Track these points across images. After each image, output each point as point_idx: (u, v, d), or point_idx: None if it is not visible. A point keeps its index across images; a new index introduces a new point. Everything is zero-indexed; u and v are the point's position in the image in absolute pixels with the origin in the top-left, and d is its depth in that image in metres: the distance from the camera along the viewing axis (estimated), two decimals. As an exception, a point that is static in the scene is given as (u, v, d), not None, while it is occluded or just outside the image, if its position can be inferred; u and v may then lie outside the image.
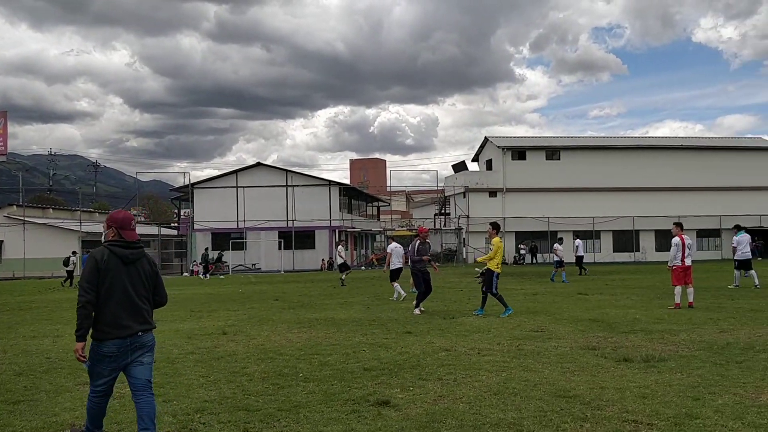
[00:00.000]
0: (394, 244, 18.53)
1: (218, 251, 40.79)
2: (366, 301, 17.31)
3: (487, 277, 13.21)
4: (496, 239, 13.33)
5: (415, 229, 53.84)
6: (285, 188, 47.13)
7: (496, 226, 13.66)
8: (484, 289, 13.45)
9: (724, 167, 49.93)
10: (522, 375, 7.18)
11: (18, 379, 7.53)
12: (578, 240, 29.73)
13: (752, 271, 19.18)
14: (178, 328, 12.16)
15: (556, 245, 25.48)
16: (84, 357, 4.77)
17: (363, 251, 58.10)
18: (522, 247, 47.24)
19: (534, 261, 46.26)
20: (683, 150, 50.65)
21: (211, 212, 46.96)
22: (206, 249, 40.65)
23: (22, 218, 45.85)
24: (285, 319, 13.28)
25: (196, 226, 47.12)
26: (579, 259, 28.80)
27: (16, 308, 18.12)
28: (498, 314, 12.91)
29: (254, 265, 45.84)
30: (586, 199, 48.27)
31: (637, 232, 48.78)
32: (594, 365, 7.67)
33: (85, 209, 65.63)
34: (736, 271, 19.64)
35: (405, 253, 18.14)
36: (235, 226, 46.68)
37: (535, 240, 47.36)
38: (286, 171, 48.84)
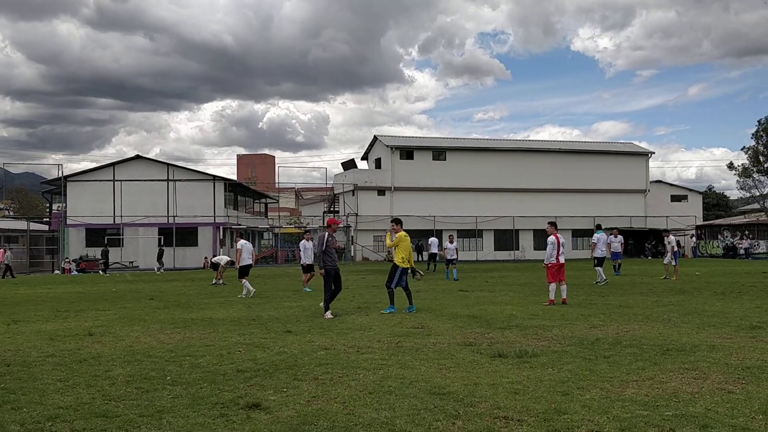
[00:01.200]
0: (243, 241, 19.15)
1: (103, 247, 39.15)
2: (248, 301, 16.86)
3: (391, 270, 13.28)
4: (401, 233, 13.39)
5: (303, 227, 53.52)
6: (166, 183, 45.37)
7: (398, 221, 13.72)
8: (391, 285, 13.30)
9: (599, 170, 52.84)
10: (399, 373, 7.13)
11: None
12: (433, 238, 32.57)
13: (599, 269, 21.01)
14: (40, 329, 11.32)
15: (446, 243, 25.98)
16: None
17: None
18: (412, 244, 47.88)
19: (420, 258, 47.01)
20: (561, 153, 53.14)
21: (85, 207, 44.49)
22: (106, 245, 39.22)
23: None
24: (158, 319, 12.67)
25: (69, 221, 44.49)
26: (432, 256, 31.68)
27: None
28: (402, 309, 12.94)
29: (131, 263, 43.86)
30: (470, 198, 49.67)
31: (517, 231, 50.69)
32: (470, 361, 7.74)
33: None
34: (597, 268, 21.19)
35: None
36: (112, 222, 44.48)
37: (422, 238, 48.17)
38: (168, 165, 46.99)
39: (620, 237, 25.40)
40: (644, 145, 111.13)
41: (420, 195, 48.92)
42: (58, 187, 46.52)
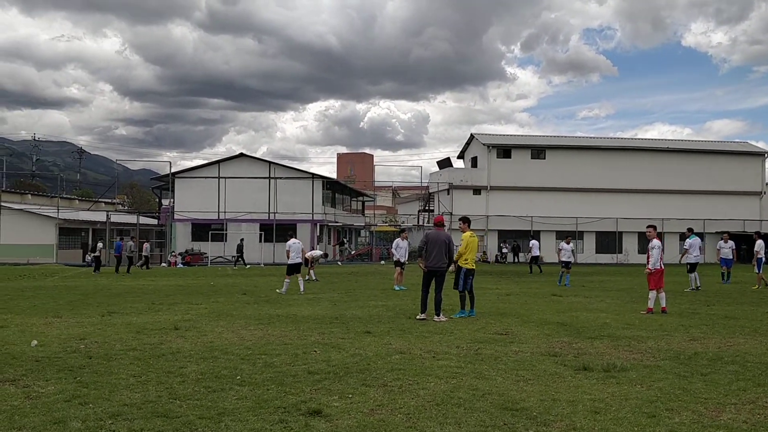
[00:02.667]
0: (292, 240, 19.28)
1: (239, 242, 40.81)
2: (335, 298, 16.86)
3: (456, 273, 12.68)
4: (465, 234, 12.84)
5: (399, 225, 53.55)
6: (267, 180, 46.56)
7: (466, 220, 13.21)
8: (457, 288, 12.76)
9: (710, 171, 49.84)
10: (472, 383, 6.77)
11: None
12: (534, 240, 31.70)
13: (693, 275, 19.96)
14: (130, 322, 11.67)
15: (562, 244, 23.52)
16: None
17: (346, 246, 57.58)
18: (504, 245, 46.96)
19: (516, 260, 45.97)
20: (668, 153, 50.51)
21: (192, 202, 46.30)
22: (241, 240, 41.23)
23: (-1, 203, 45.01)
24: (245, 315, 12.82)
25: (176, 216, 46.45)
26: (534, 259, 30.84)
27: (-27, 296, 17.54)
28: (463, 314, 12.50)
29: (234, 257, 45.22)
30: (570, 199, 48.05)
31: (620, 233, 48.61)
32: (551, 374, 7.27)
33: (65, 196, 64.86)
34: (690, 275, 20.10)
35: (303, 249, 19.78)
36: (216, 218, 46.07)
37: (518, 239, 47.08)
38: (269, 163, 48.24)
39: (731, 242, 23.61)
40: (761, 145, 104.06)
41: (517, 194, 47.79)
42: (167, 183, 48.70)
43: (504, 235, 47.68)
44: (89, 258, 43.57)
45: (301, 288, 18.40)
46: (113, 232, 47.06)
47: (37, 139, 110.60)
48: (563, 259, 22.82)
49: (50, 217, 45.40)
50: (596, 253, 48.45)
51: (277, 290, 18.70)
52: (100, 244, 34.38)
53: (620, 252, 48.69)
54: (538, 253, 30.96)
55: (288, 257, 18.81)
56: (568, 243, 23.54)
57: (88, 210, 56.56)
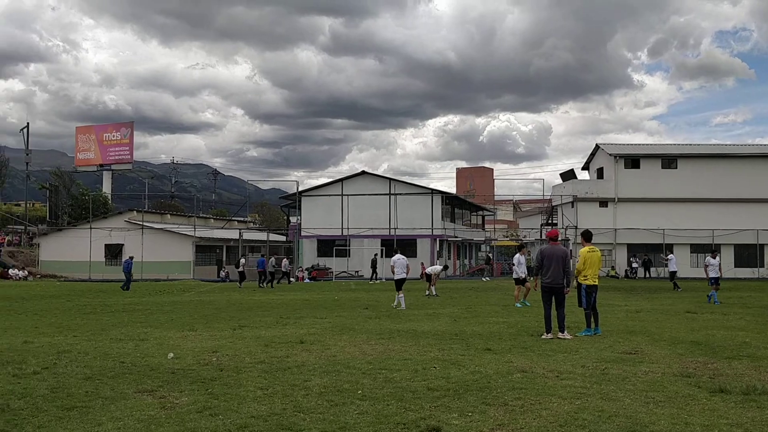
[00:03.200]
0: (397, 256, 19.56)
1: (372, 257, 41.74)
2: (456, 313, 16.79)
3: (578, 290, 12.25)
4: (583, 249, 12.33)
5: (520, 240, 52.62)
6: (388, 196, 47.27)
7: (585, 236, 12.66)
8: (582, 306, 12.32)
9: None
10: (598, 404, 6.51)
11: (84, 383, 7.64)
12: (671, 255, 30.56)
13: None
14: (259, 335, 12.17)
15: (708, 258, 21.84)
16: None
17: (466, 261, 57.28)
18: (634, 260, 44.94)
19: (647, 275, 43.86)
20: (818, 158, 46.54)
21: (317, 219, 47.85)
22: (375, 255, 42.07)
23: (141, 223, 48.41)
24: (367, 329, 13.03)
25: (303, 233, 48.12)
26: (672, 274, 29.22)
27: (119, 310, 18.93)
28: (588, 332, 12.06)
29: (357, 272, 46.17)
30: (705, 210, 45.30)
31: (762, 246, 45.23)
32: (684, 396, 6.87)
33: (201, 215, 68.80)
34: None
35: (409, 265, 19.70)
36: (340, 234, 47.26)
37: (648, 253, 44.91)
38: (390, 179, 49.03)
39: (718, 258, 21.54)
40: None
41: (647, 206, 45.65)
42: (294, 201, 50.63)
43: (633, 249, 45.65)
44: (223, 273, 46.04)
45: (402, 304, 18.38)
46: (245, 249, 49.37)
47: (175, 162, 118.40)
48: (711, 275, 21.14)
49: (188, 235, 48.29)
50: (735, 267, 45.27)
51: (393, 305, 18.86)
52: (243, 260, 36.27)
53: (762, 266, 45.26)
54: (675, 268, 29.29)
55: (393, 273, 19.18)
56: (714, 257, 21.77)
57: (222, 228, 59.70)
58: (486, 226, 67.23)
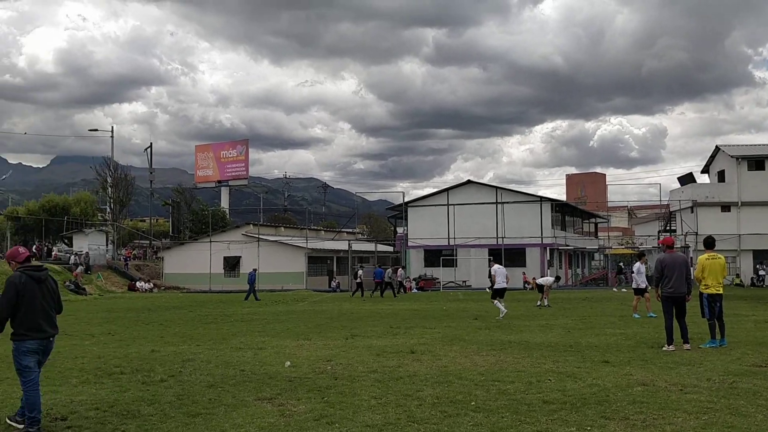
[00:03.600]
0: (497, 266, 19.49)
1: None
2: (569, 324, 16.33)
3: (699, 301, 11.58)
4: (701, 257, 11.65)
5: (636, 248, 50.51)
6: (495, 205, 46.74)
7: (706, 243, 11.94)
8: (704, 316, 11.66)
9: None
10: (727, 420, 6.15)
11: (207, 391, 8.02)
12: None
13: None
14: (371, 345, 12.34)
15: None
16: None
17: (579, 270, 55.64)
18: (761, 267, 42.11)
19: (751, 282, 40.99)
20: None
21: (423, 229, 48.01)
22: (490, 258, 38.69)
23: (257, 236, 50.28)
24: (477, 340, 12.92)
25: (410, 243, 48.40)
26: None
27: (238, 319, 19.73)
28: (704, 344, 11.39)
29: (464, 282, 45.89)
30: (843, 212, 41.87)
31: None
32: (826, 414, 6.36)
33: (312, 227, 70.63)
34: None
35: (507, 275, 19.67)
36: (446, 243, 47.16)
37: (776, 260, 41.94)
38: (496, 188, 48.50)
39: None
40: None
41: (775, 210, 42.71)
42: (400, 212, 51.09)
43: (760, 256, 42.78)
44: (334, 283, 47.03)
45: (501, 313, 18.24)
46: (354, 260, 50.21)
47: (287, 177, 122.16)
48: None
49: (300, 247, 49.70)
50: None
51: (498, 317, 18.41)
52: (361, 271, 36.95)
53: None
54: None
55: (493, 282, 19.09)
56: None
57: (332, 240, 61.03)
58: (599, 234, 65.07)
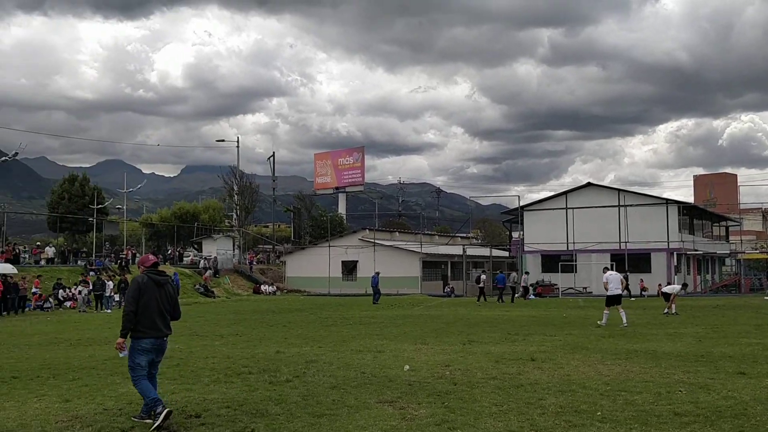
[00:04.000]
0: (609, 272, 19.14)
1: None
2: (700, 333, 15.48)
3: None
4: None
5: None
6: (617, 208, 45.02)
7: None
8: None
9: None
10: None
11: (330, 392, 8.25)
12: None
13: None
14: (489, 351, 12.24)
15: None
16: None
17: (708, 276, 52.55)
18: None
19: None
20: None
21: (540, 234, 46.98)
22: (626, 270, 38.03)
23: (373, 241, 51.07)
24: (600, 348, 12.51)
25: (526, 248, 47.52)
26: None
27: (356, 322, 20.14)
28: None
29: (585, 288, 44.45)
30: None
31: None
32: None
33: (426, 232, 70.92)
34: None
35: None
36: (565, 249, 45.92)
37: None
38: (618, 190, 46.70)
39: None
40: None
41: None
42: (516, 216, 50.29)
43: None
44: (448, 289, 46.96)
45: (624, 320, 17.67)
46: (468, 265, 49.93)
47: (401, 182, 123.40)
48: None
49: (415, 251, 49.99)
50: None
51: (598, 322, 18.31)
52: (483, 276, 36.84)
53: None
54: None
55: (606, 289, 18.54)
56: None
57: (446, 244, 60.97)
58: (731, 238, 61.19)
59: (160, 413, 6.47)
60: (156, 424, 6.41)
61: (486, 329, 17.21)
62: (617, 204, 45.19)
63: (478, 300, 33.72)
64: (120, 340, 6.88)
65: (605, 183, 50.25)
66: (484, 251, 57.70)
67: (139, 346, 6.83)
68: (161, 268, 7.71)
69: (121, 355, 6.99)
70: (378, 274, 34.31)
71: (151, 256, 7.38)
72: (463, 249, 50.14)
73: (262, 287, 48.09)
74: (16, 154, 47.70)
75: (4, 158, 45.56)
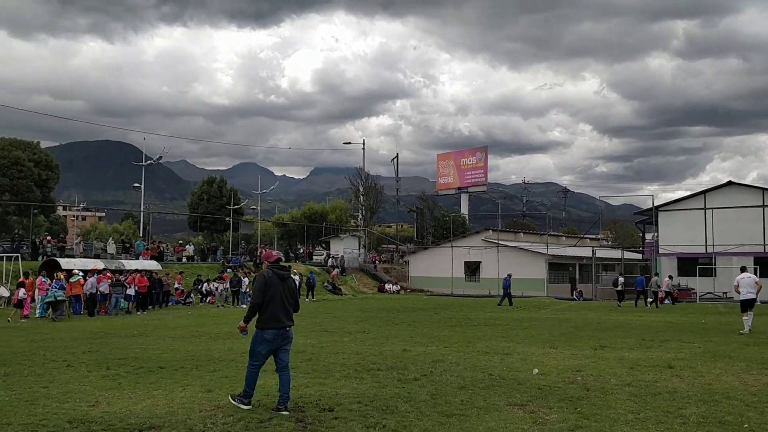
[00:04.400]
0: (743, 275, 17.90)
1: None
2: None
3: None
4: None
5: None
6: (761, 209, 41.96)
7: None
8: None
9: None
10: None
11: (458, 392, 8.27)
12: None
13: None
14: (622, 357, 11.80)
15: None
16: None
17: None
18: None
19: None
20: None
21: (676, 236, 44.62)
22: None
23: (497, 241, 50.52)
24: (745, 357, 11.73)
25: (660, 250, 45.30)
26: None
27: (481, 323, 20.01)
28: None
29: (725, 293, 41.70)
30: None
31: None
32: None
33: (552, 233, 69.24)
34: None
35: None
36: (704, 251, 43.34)
37: None
38: (762, 189, 43.47)
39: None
40: None
41: None
42: (649, 217, 48.03)
43: None
44: (576, 293, 45.61)
45: (745, 327, 16.80)
46: (598, 267, 48.25)
47: (525, 182, 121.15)
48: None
49: (540, 253, 48.94)
50: None
51: (740, 331, 17.00)
52: (621, 279, 35.70)
53: None
54: None
55: (738, 293, 17.51)
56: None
57: (574, 246, 59.22)
58: None
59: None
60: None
61: (618, 334, 16.58)
62: (761, 204, 42.15)
63: (619, 303, 32.68)
64: (242, 324, 7.45)
65: (747, 181, 46.89)
66: (616, 253, 55.59)
67: (262, 336, 7.27)
68: (287, 264, 8.18)
69: (242, 335, 7.55)
70: (510, 276, 33.81)
71: (274, 252, 7.82)
72: (593, 251, 48.54)
73: (387, 286, 48.81)
74: (160, 157, 51.29)
75: (149, 161, 49.09)
